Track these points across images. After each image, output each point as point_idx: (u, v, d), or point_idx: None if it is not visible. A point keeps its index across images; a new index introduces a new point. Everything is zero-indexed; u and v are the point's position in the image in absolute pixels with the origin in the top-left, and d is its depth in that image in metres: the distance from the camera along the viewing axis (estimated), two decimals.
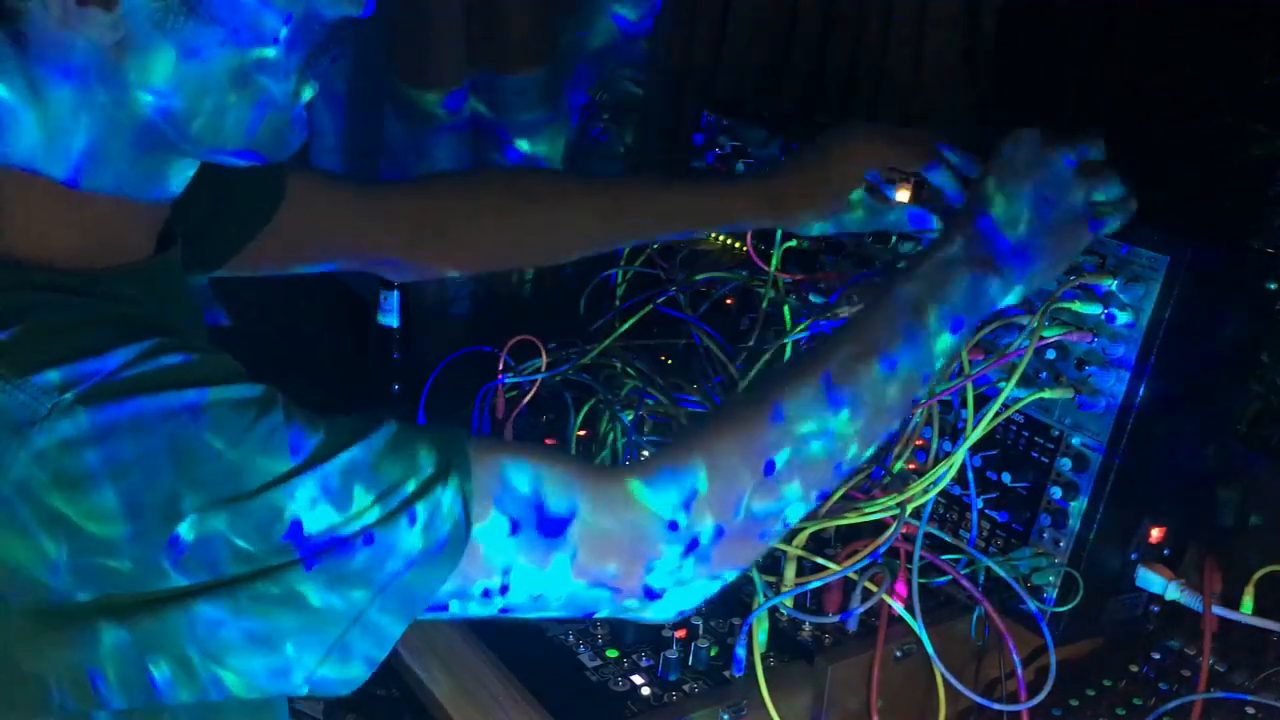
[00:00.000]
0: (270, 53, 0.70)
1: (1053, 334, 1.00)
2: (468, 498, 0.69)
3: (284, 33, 0.70)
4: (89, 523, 0.61)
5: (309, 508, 0.65)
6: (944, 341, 0.86)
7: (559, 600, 0.75)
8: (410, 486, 0.68)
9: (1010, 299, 0.90)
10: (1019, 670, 0.99)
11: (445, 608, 0.73)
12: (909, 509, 1.01)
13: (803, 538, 1.06)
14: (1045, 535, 1.03)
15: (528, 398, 1.29)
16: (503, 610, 0.74)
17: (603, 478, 0.77)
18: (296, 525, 0.64)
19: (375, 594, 0.67)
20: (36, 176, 0.69)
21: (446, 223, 1.12)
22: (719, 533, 0.77)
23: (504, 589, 0.72)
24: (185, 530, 0.62)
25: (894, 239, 1.19)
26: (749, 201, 1.12)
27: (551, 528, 0.73)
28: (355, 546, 0.66)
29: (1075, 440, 1.01)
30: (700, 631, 1.08)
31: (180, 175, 0.76)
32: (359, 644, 0.68)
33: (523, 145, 1.83)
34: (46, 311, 0.65)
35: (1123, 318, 0.98)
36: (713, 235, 1.41)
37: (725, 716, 1.00)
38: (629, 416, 1.21)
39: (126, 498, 0.61)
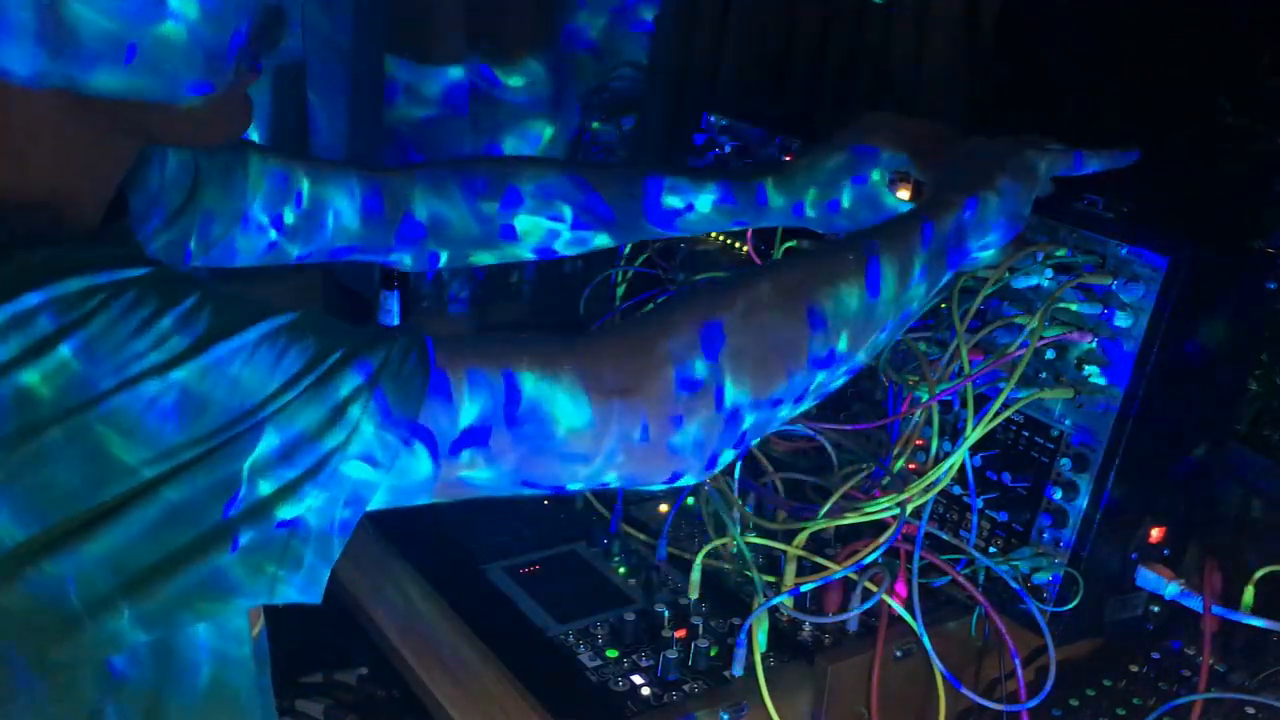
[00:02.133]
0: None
1: (1053, 334, 1.00)
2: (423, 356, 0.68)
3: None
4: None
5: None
6: (916, 284, 0.86)
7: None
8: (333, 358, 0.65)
9: (985, 241, 0.92)
10: (1019, 670, 0.99)
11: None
12: (909, 509, 1.01)
13: (803, 537, 1.06)
14: (1045, 535, 1.03)
15: None
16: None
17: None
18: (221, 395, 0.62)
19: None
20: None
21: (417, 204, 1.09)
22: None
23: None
24: (109, 415, 0.60)
25: None
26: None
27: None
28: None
29: (1075, 440, 1.01)
30: (700, 631, 1.08)
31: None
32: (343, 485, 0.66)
33: (522, 140, 1.83)
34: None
35: (1123, 318, 0.98)
36: (714, 235, 1.41)
37: (725, 716, 1.00)
38: None
39: (44, 391, 0.59)
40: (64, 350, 0.59)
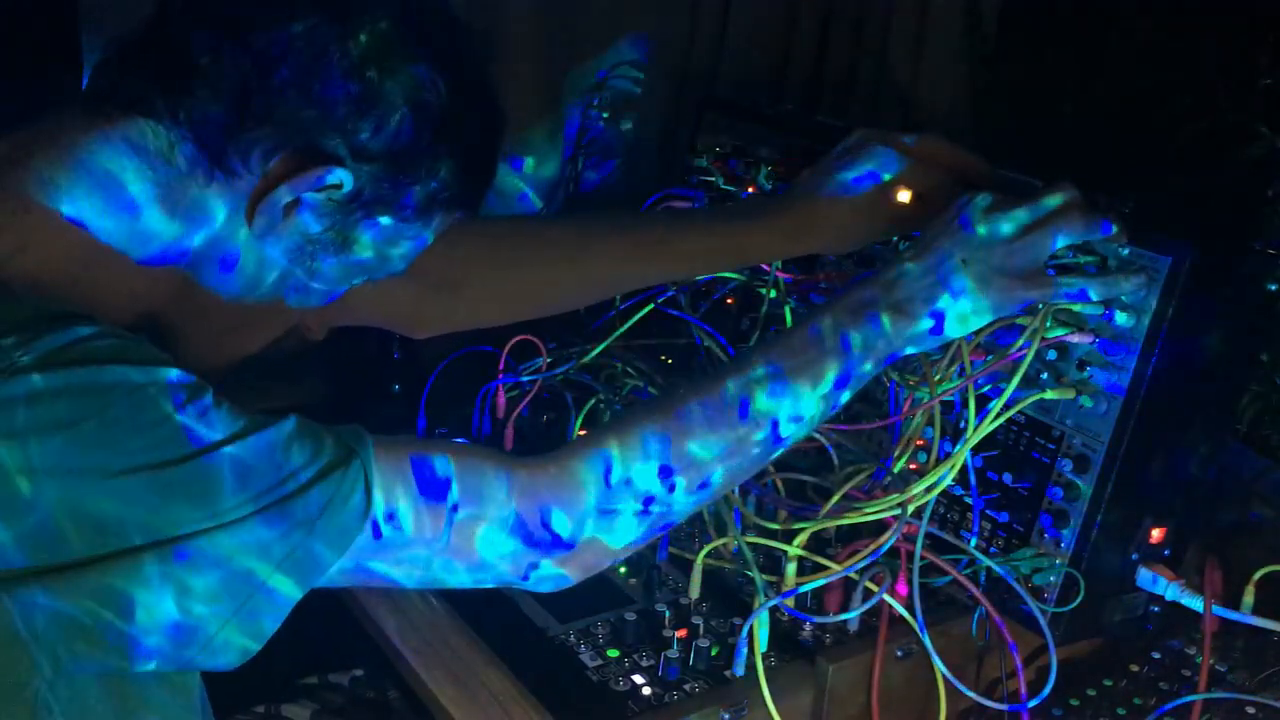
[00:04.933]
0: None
1: (1054, 334, 1.00)
2: (370, 482, 0.75)
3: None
4: (19, 478, 0.64)
5: (229, 480, 0.70)
6: (849, 376, 0.92)
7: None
8: (315, 468, 0.73)
9: (927, 341, 0.93)
10: (1019, 670, 0.99)
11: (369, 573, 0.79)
12: (910, 509, 1.01)
13: (803, 537, 1.06)
14: (1046, 535, 1.03)
15: (528, 398, 1.29)
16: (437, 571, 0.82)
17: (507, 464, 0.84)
18: (215, 494, 0.69)
19: (276, 564, 0.72)
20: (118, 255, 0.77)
21: (468, 276, 1.14)
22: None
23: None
24: (107, 494, 0.66)
25: (897, 240, 1.19)
26: (765, 237, 1.11)
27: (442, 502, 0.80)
28: (267, 517, 0.71)
29: (1076, 441, 1.01)
30: (701, 631, 1.08)
31: None
32: (262, 610, 0.72)
33: (520, 143, 1.83)
34: (12, 300, 0.71)
35: (1124, 318, 0.98)
36: None
37: (726, 716, 1.00)
38: None
39: (60, 458, 0.65)
40: None
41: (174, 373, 0.70)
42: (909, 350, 0.94)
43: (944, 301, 0.92)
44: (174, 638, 0.70)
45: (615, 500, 0.86)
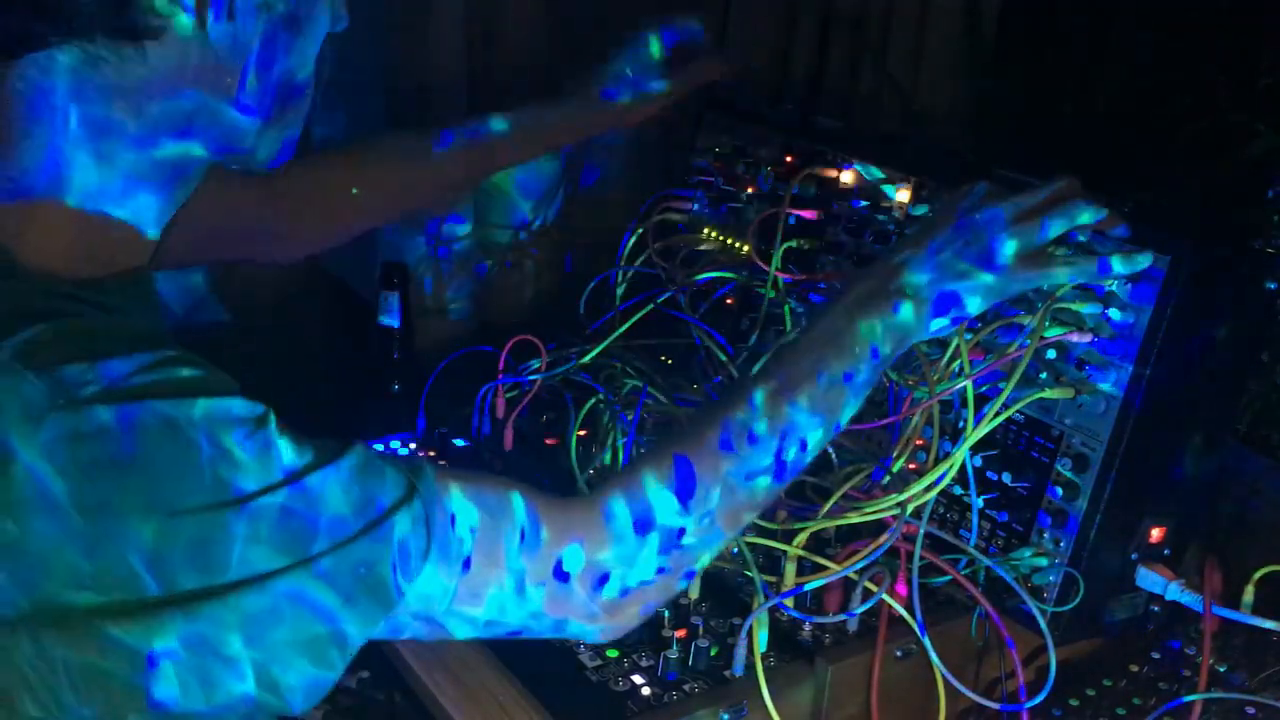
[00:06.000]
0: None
1: (1053, 334, 1.00)
2: (430, 517, 0.74)
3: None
4: (80, 515, 0.63)
5: (292, 518, 0.68)
6: (863, 371, 0.91)
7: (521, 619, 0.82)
8: (383, 502, 0.72)
9: (933, 326, 0.94)
10: (1019, 670, 0.99)
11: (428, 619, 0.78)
12: (909, 509, 1.01)
13: (803, 537, 1.06)
14: (1045, 535, 1.03)
15: (528, 398, 1.29)
16: (487, 624, 0.81)
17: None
18: (283, 534, 0.68)
19: (344, 600, 0.70)
20: (68, 206, 0.74)
21: (325, 185, 1.19)
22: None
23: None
24: (161, 533, 0.64)
25: (895, 230, 1.19)
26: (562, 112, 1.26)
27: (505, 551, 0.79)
28: (334, 556, 0.70)
29: (1076, 440, 1.01)
30: (700, 631, 1.08)
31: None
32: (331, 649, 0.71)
33: None
34: (71, 316, 0.69)
35: (1123, 318, 0.98)
36: (713, 235, 1.41)
37: (725, 716, 1.00)
38: (629, 416, 1.21)
39: (123, 497, 0.63)
40: None
41: (239, 403, 0.69)
42: (920, 337, 0.95)
43: (949, 285, 0.93)
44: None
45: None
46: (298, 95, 0.83)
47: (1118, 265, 0.95)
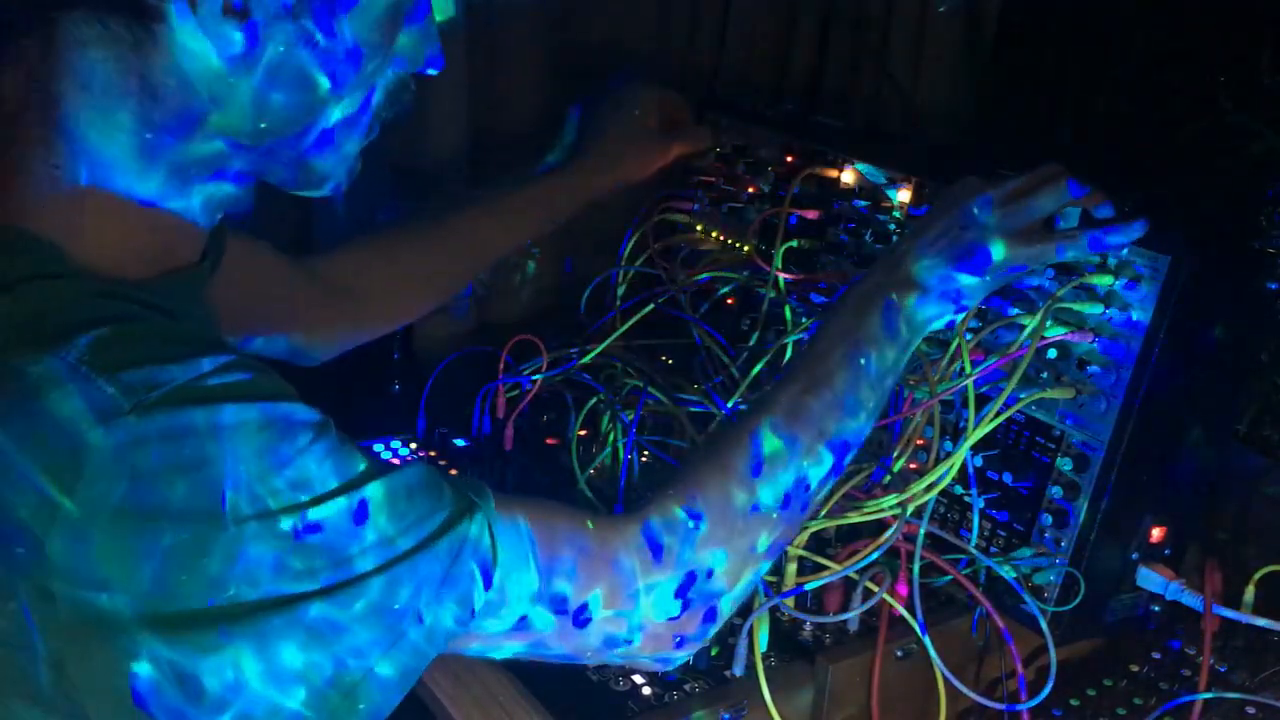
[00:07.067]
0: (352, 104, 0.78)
1: (1054, 334, 1.00)
2: (494, 534, 0.76)
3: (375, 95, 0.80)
4: (143, 521, 0.62)
5: (352, 532, 0.68)
6: (884, 360, 0.93)
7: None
8: (439, 517, 0.73)
9: (944, 316, 0.97)
10: (1019, 670, 0.99)
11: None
12: (910, 508, 1.01)
13: (804, 537, 1.06)
14: (1046, 535, 1.03)
15: (528, 398, 1.29)
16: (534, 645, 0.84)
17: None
18: (337, 547, 0.68)
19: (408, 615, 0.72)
20: (116, 196, 0.72)
21: (362, 280, 1.22)
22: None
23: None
24: (236, 539, 0.64)
25: (895, 229, 1.19)
26: (578, 178, 1.32)
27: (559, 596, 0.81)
28: (393, 571, 0.70)
29: (1076, 440, 1.01)
30: None
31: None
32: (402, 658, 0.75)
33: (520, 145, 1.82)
34: (132, 319, 0.68)
35: (1123, 317, 0.98)
36: (714, 235, 1.41)
37: (726, 716, 1.00)
38: (629, 416, 1.21)
39: (184, 501, 0.63)
40: None
41: (300, 409, 0.68)
42: (928, 329, 0.97)
43: (949, 270, 0.95)
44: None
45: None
46: (363, 112, 0.80)
47: (1112, 236, 0.96)
